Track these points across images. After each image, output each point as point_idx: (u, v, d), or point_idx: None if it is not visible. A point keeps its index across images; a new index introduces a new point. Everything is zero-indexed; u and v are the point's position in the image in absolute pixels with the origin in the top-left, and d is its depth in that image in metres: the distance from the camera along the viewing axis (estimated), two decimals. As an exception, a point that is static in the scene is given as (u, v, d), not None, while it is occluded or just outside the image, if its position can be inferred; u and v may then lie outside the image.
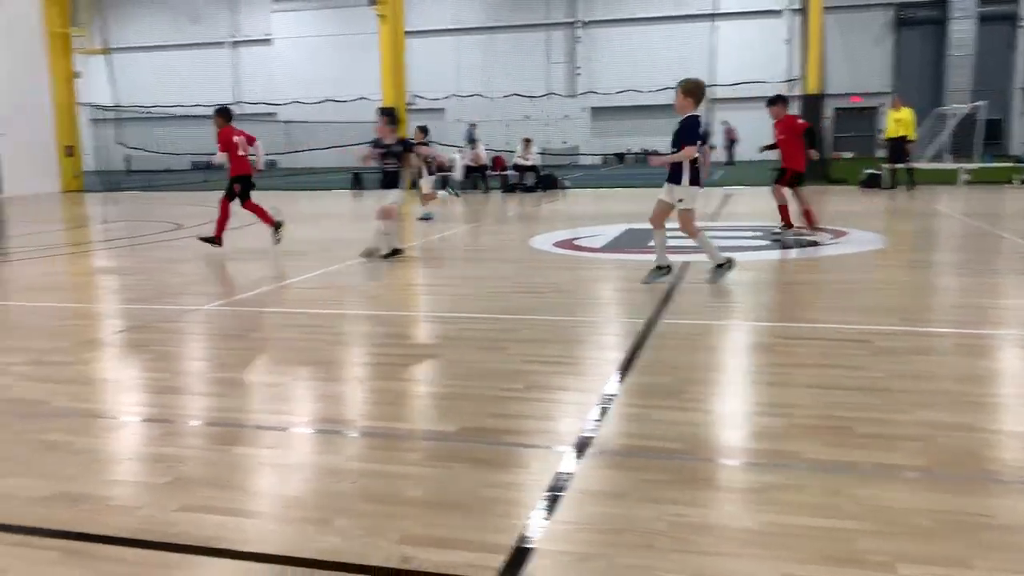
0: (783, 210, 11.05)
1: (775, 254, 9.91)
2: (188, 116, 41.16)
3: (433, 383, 4.73)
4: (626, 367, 4.86)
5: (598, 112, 42.61)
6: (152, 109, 40.73)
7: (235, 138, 10.74)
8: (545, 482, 3.24)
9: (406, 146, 10.04)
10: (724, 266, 7.46)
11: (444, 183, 20.06)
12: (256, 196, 10.76)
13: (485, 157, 23.39)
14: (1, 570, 2.61)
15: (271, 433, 3.96)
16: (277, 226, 10.68)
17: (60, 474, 3.42)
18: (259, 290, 8.02)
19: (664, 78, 38.08)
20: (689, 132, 7.24)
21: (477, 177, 22.54)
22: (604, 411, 4.07)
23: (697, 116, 7.34)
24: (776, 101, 11.08)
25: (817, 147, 11.79)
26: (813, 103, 22.98)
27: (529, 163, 22.64)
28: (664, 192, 7.48)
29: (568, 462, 3.43)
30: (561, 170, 26.48)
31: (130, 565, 2.64)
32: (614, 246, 10.66)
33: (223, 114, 10.95)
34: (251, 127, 14.58)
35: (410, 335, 6.25)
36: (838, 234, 11.08)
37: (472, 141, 23.16)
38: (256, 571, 2.63)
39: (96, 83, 31.10)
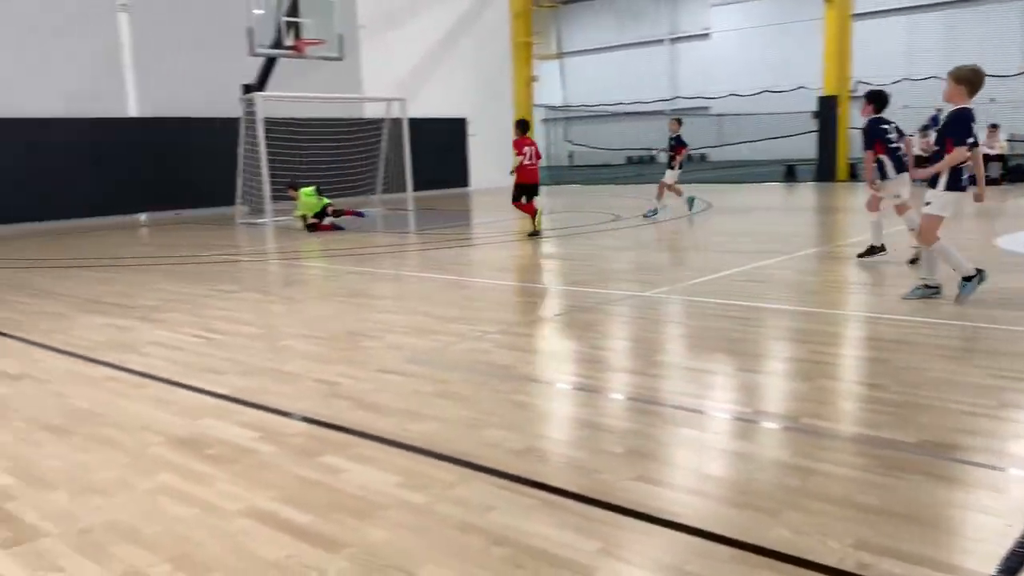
0: None
1: None
2: (626, 113, 43.54)
3: (881, 388, 4.41)
4: None
5: (1096, 89, 35.80)
6: (595, 108, 43.80)
7: (525, 148, 11.71)
8: (1027, 512, 2.86)
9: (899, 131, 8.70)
10: (974, 278, 6.53)
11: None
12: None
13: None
14: (489, 507, 3.04)
15: (712, 418, 4.05)
16: (536, 225, 11.93)
17: (530, 431, 3.88)
18: (695, 280, 8.19)
19: None
20: (958, 128, 6.26)
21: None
22: (1104, 442, 3.45)
23: (969, 109, 6.28)
24: None
25: None
26: None
27: (995, 152, 19.89)
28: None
29: (1056, 494, 2.98)
30: (1036, 160, 22.82)
31: (593, 522, 2.90)
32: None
33: (520, 125, 12.10)
34: (685, 121, 15.01)
35: (850, 335, 5.91)
36: None
37: (925, 128, 20.97)
38: (704, 548, 2.71)
39: (549, 86, 34.27)
